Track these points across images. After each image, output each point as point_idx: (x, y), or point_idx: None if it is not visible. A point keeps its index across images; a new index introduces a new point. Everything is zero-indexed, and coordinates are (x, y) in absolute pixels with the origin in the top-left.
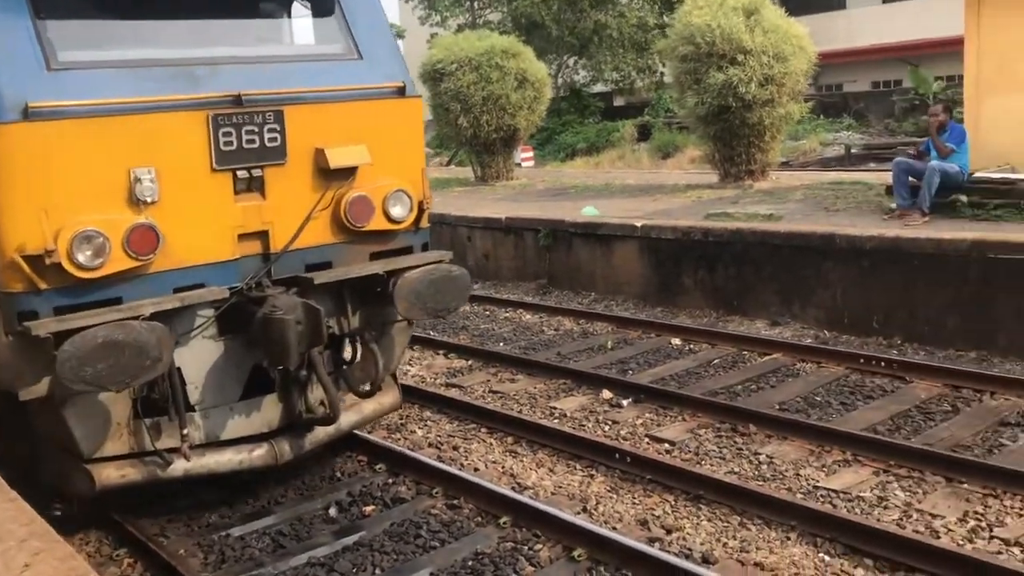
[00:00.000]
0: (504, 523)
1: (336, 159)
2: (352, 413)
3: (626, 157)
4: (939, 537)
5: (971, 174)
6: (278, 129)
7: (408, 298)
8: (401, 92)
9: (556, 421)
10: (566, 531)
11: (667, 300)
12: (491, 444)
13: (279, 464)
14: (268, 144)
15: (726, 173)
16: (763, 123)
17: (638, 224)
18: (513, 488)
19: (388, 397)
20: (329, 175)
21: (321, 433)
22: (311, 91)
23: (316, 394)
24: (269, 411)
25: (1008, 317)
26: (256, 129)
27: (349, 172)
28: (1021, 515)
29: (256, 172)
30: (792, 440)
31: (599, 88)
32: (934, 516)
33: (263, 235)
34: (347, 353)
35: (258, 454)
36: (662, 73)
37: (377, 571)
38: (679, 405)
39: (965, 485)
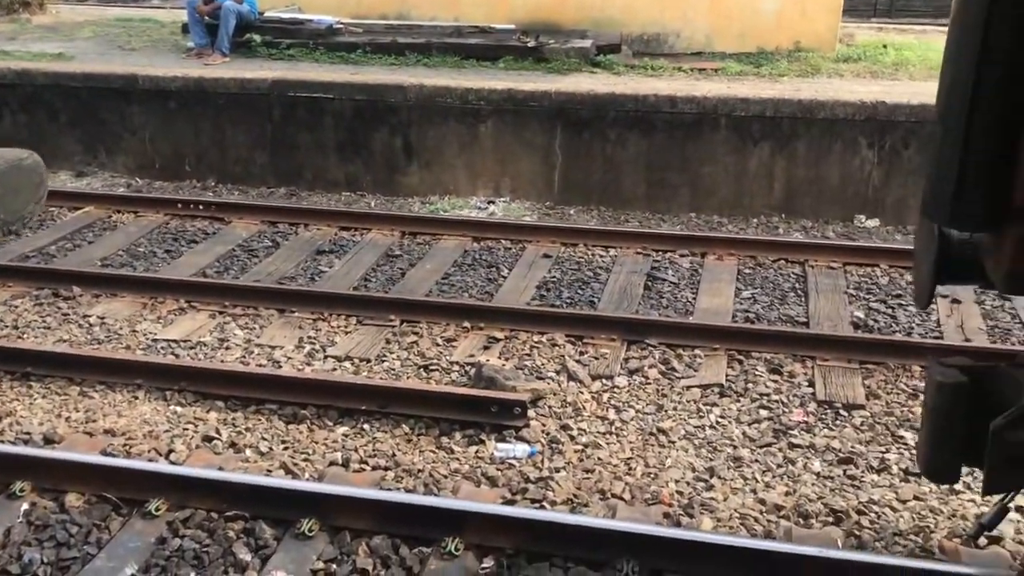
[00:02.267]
0: None
1: None
2: None
3: None
4: (281, 366)
5: (262, 13)
6: None
7: None
8: None
9: None
10: None
11: None
12: None
13: None
14: None
15: None
16: None
17: None
18: None
19: None
20: None
21: None
22: None
23: None
24: None
25: (310, 153)
26: None
27: None
28: (347, 332)
29: None
30: (122, 296)
31: None
32: (273, 348)
33: None
34: None
35: None
36: None
37: None
38: None
39: (296, 313)
